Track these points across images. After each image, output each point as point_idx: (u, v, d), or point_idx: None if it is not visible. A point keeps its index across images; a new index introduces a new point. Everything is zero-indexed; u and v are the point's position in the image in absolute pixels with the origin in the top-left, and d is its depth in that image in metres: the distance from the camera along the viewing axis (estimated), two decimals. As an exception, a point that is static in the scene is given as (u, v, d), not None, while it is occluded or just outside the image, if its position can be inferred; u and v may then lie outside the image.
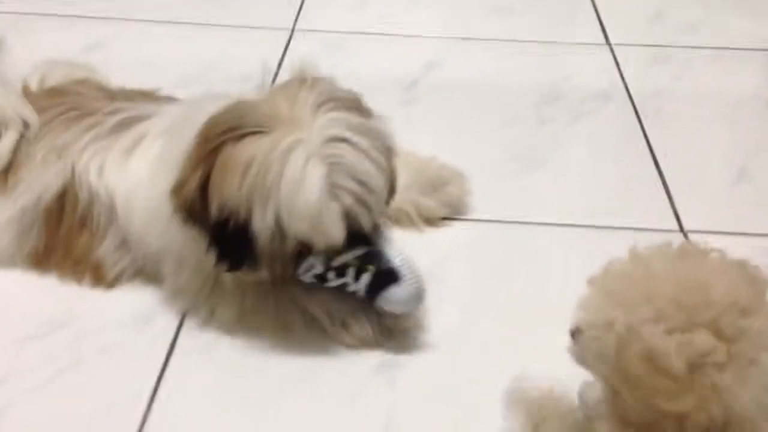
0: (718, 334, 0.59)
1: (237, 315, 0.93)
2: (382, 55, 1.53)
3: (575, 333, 0.68)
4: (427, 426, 0.84)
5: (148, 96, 1.08)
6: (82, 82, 1.09)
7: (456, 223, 1.12)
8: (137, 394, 0.86)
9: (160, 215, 0.87)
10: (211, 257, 0.85)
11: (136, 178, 0.92)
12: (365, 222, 0.85)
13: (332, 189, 0.81)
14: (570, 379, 0.75)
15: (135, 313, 0.96)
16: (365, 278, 0.87)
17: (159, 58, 1.48)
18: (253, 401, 0.87)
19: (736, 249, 0.67)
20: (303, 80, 0.87)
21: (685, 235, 1.11)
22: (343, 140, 0.82)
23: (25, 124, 1.00)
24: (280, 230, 0.81)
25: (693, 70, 1.51)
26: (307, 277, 0.88)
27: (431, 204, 1.09)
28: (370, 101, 0.90)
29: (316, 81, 0.87)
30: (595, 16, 1.70)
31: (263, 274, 0.87)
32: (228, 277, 0.91)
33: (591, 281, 0.67)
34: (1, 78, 1.07)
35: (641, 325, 0.60)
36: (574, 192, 1.19)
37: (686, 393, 0.58)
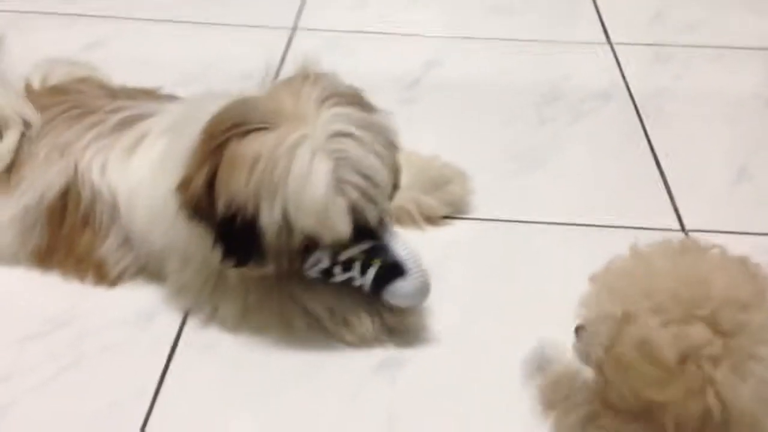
0: (716, 328, 0.59)
1: (240, 313, 0.93)
2: (383, 54, 1.54)
3: (579, 330, 0.68)
4: (429, 423, 0.85)
5: (150, 94, 1.08)
6: (84, 80, 1.09)
7: (457, 222, 1.12)
8: (140, 392, 0.86)
9: (164, 213, 0.88)
10: (217, 253, 0.85)
11: (138, 176, 0.93)
12: (371, 216, 0.85)
13: (338, 184, 0.81)
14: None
15: (138, 311, 0.96)
16: (371, 272, 0.87)
17: (159, 57, 1.48)
18: (256, 399, 0.87)
19: (737, 248, 0.67)
20: (306, 76, 0.87)
21: (686, 234, 1.11)
22: (348, 135, 0.82)
23: (26, 123, 1.00)
24: (287, 225, 0.82)
25: (694, 69, 1.51)
26: (314, 272, 0.89)
27: (433, 203, 1.10)
28: (370, 100, 0.90)
29: (319, 77, 0.87)
30: (595, 15, 1.70)
31: (269, 269, 0.87)
32: (231, 275, 0.91)
33: (593, 278, 0.68)
34: (1, 77, 1.07)
35: (639, 316, 0.60)
36: (575, 191, 1.20)
37: (673, 383, 0.58)
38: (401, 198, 1.04)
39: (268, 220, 0.81)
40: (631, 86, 1.45)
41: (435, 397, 0.87)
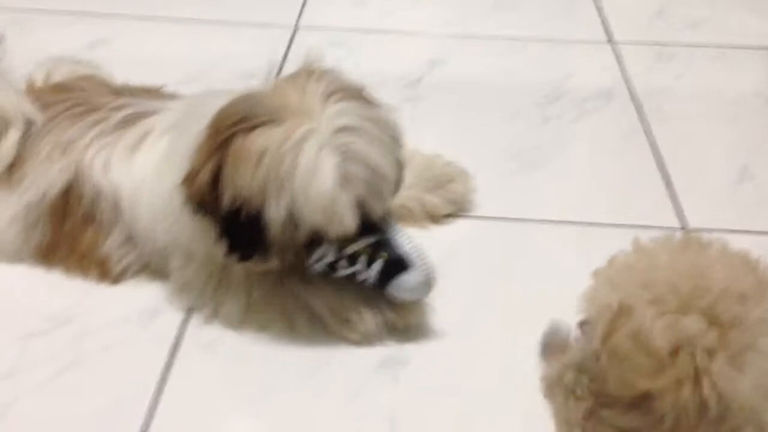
0: (714, 320, 0.59)
1: (242, 310, 0.93)
2: (385, 52, 1.54)
3: (582, 325, 0.69)
4: (431, 421, 0.85)
5: (153, 93, 1.08)
6: (88, 78, 1.09)
7: (460, 221, 1.12)
8: (142, 390, 0.86)
9: (168, 210, 0.88)
10: (221, 248, 0.86)
11: (141, 173, 0.93)
12: (376, 210, 0.86)
13: (345, 178, 0.82)
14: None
15: (140, 308, 0.96)
16: (376, 266, 0.87)
17: (162, 56, 1.48)
18: (258, 396, 0.87)
19: (739, 246, 0.67)
20: (311, 71, 0.87)
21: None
22: (354, 130, 0.83)
23: (28, 121, 1.00)
24: (293, 219, 0.82)
25: (695, 68, 1.51)
26: (319, 266, 0.89)
27: (436, 201, 1.10)
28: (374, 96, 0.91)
29: (323, 72, 0.87)
30: (597, 13, 1.70)
31: (273, 263, 0.87)
32: (234, 273, 0.92)
33: (595, 273, 0.68)
34: (2, 75, 1.07)
35: (636, 308, 0.60)
36: (577, 190, 1.20)
37: (663, 373, 0.58)
38: (404, 196, 1.04)
39: (274, 214, 0.81)
40: (632, 85, 1.45)
41: (437, 395, 0.87)
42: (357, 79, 0.91)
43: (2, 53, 1.13)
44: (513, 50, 1.56)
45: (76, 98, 1.02)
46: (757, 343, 0.58)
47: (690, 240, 0.67)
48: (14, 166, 0.99)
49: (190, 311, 0.96)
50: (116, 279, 0.98)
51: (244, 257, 0.86)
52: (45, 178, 0.96)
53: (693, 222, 1.13)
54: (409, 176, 0.96)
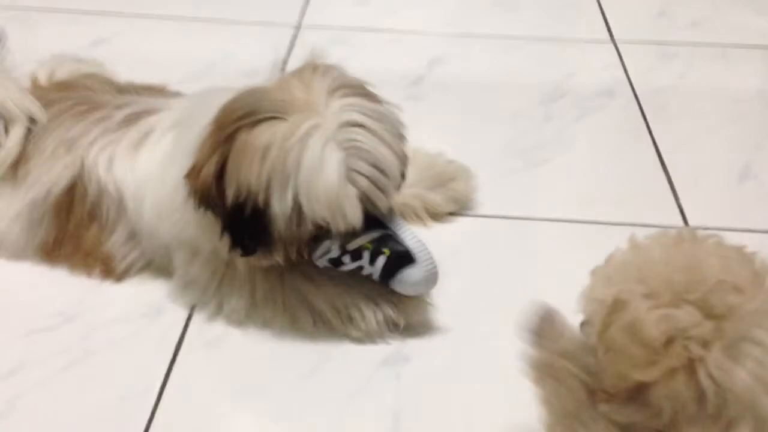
0: (708, 311, 0.59)
1: (246, 307, 0.93)
2: (387, 51, 1.54)
3: (583, 324, 0.69)
4: (433, 418, 0.85)
5: (157, 90, 1.08)
6: (91, 76, 1.10)
7: (462, 219, 1.12)
8: (147, 387, 0.87)
9: (172, 206, 0.88)
10: (225, 243, 0.86)
11: (145, 171, 0.93)
12: (381, 205, 0.86)
13: (350, 173, 0.82)
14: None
15: (144, 305, 0.96)
16: (380, 261, 0.88)
17: (164, 54, 1.48)
18: (262, 393, 0.87)
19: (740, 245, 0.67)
20: (315, 67, 0.87)
21: (689, 231, 1.11)
22: (359, 125, 0.83)
23: (31, 119, 1.01)
24: (298, 214, 0.82)
25: (697, 67, 1.51)
26: (323, 261, 0.89)
27: (438, 199, 1.10)
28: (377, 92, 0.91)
29: (327, 68, 0.88)
30: (599, 12, 1.70)
31: (277, 258, 0.87)
32: (238, 270, 0.92)
33: (593, 271, 0.68)
34: (5, 73, 1.08)
35: (631, 301, 0.61)
36: (579, 188, 1.20)
37: (656, 364, 0.58)
38: (406, 195, 1.04)
39: (279, 208, 0.82)
40: (634, 84, 1.45)
41: (440, 392, 0.88)
42: (360, 77, 0.91)
43: (5, 51, 1.13)
44: (515, 49, 1.56)
45: (79, 96, 1.03)
46: (752, 334, 0.58)
47: (685, 235, 0.67)
48: (18, 163, 1.00)
49: (194, 308, 0.96)
50: (120, 276, 0.99)
51: (248, 251, 0.87)
52: (49, 175, 0.97)
53: (694, 220, 1.13)
54: (411, 174, 0.97)
